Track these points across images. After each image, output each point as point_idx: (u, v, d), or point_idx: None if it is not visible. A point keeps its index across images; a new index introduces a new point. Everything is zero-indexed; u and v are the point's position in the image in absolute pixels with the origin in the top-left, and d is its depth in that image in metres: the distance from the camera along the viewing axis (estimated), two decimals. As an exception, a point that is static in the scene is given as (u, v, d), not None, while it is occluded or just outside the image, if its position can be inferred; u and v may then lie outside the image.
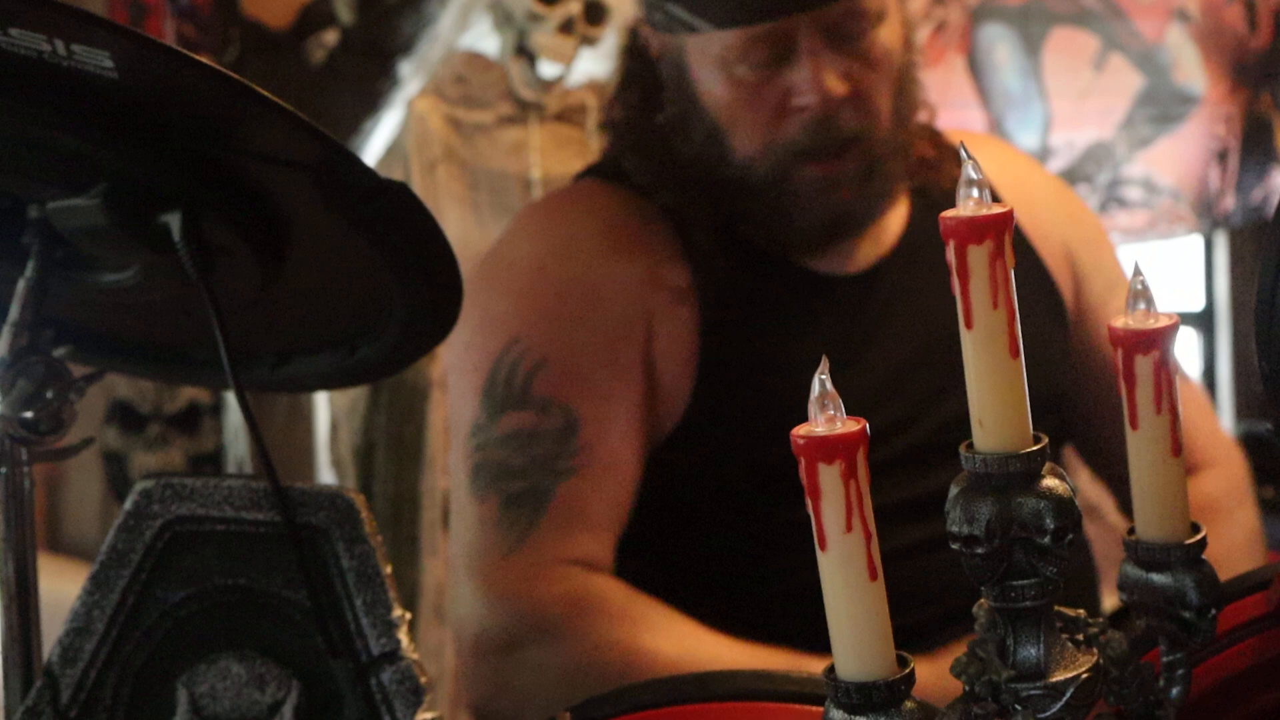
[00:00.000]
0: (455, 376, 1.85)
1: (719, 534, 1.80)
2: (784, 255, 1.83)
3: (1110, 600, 2.23)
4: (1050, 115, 3.43)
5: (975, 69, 3.33)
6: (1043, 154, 3.42)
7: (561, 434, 1.75)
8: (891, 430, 1.78)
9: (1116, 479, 1.94)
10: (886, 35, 1.77)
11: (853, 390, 1.78)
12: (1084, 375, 1.92)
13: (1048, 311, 1.90)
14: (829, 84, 1.73)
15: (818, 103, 1.73)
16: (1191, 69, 3.49)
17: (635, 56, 1.86)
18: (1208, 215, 3.58)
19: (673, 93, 1.81)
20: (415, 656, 1.18)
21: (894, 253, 1.87)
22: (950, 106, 2.06)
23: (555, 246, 1.84)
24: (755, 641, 1.68)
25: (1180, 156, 3.51)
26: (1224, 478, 1.94)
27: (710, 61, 1.76)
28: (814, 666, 1.61)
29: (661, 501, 1.79)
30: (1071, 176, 3.43)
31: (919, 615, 1.69)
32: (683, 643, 1.69)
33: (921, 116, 1.90)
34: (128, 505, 1.23)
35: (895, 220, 1.88)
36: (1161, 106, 3.47)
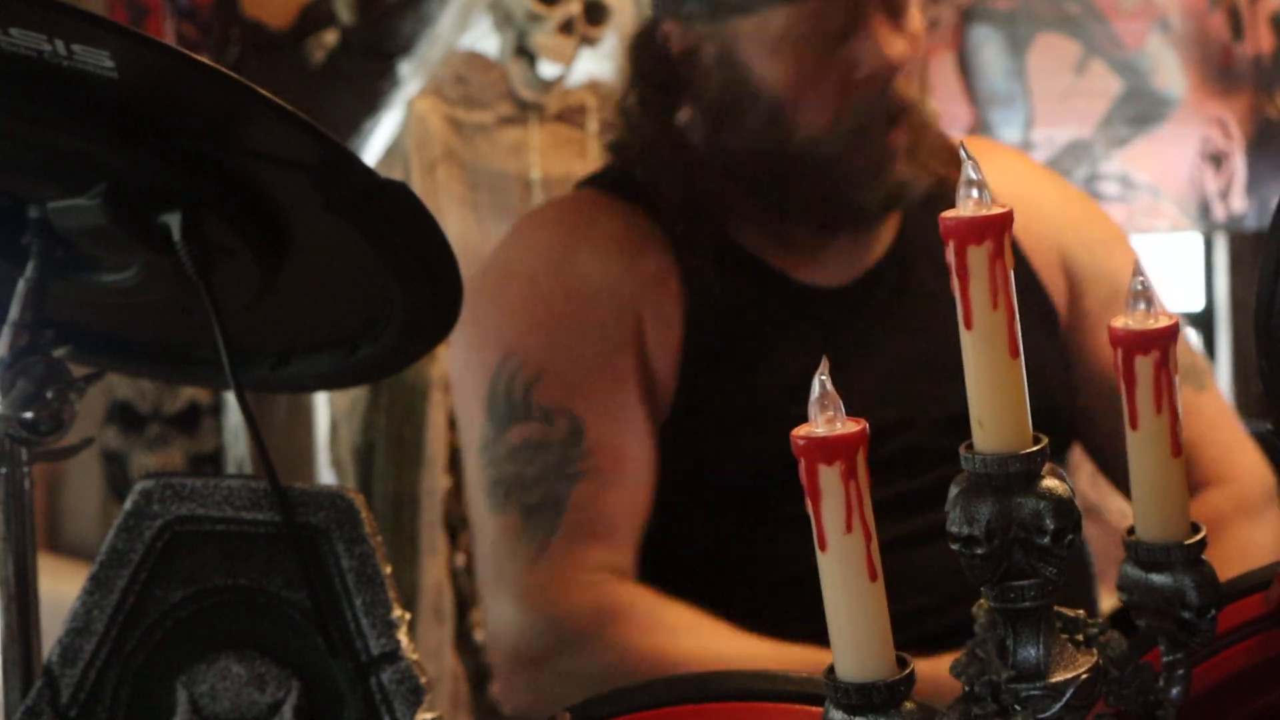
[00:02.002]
0: (458, 395, 1.87)
1: (717, 530, 1.81)
2: (775, 266, 1.84)
3: (1108, 600, 2.23)
4: (1032, 113, 3.50)
5: (964, 67, 3.41)
6: (1024, 148, 3.49)
7: (569, 440, 1.76)
8: (878, 437, 1.78)
9: (1119, 477, 1.94)
10: (918, 16, 1.80)
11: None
12: (1086, 382, 1.92)
13: (1036, 319, 1.90)
14: (894, 53, 1.75)
15: (885, 70, 1.75)
16: (1171, 74, 3.55)
17: (649, 58, 1.85)
18: (1205, 217, 3.61)
19: (710, 85, 1.80)
20: (415, 656, 1.18)
21: (881, 265, 1.87)
22: (938, 101, 2.10)
23: (548, 259, 1.85)
24: (782, 639, 1.69)
25: (1158, 156, 3.58)
26: (1236, 494, 1.90)
27: (769, 42, 1.75)
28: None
29: (673, 501, 1.80)
30: (1052, 169, 3.50)
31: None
32: (714, 647, 1.70)
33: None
34: (127, 505, 1.23)
35: (886, 232, 1.89)
36: (1139, 109, 3.54)
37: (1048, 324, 1.92)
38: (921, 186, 1.83)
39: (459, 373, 1.87)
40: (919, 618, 1.72)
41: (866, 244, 1.86)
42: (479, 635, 3.02)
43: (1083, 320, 1.94)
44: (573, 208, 1.95)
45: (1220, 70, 3.60)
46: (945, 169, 1.84)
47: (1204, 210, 3.62)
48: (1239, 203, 3.62)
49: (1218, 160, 3.60)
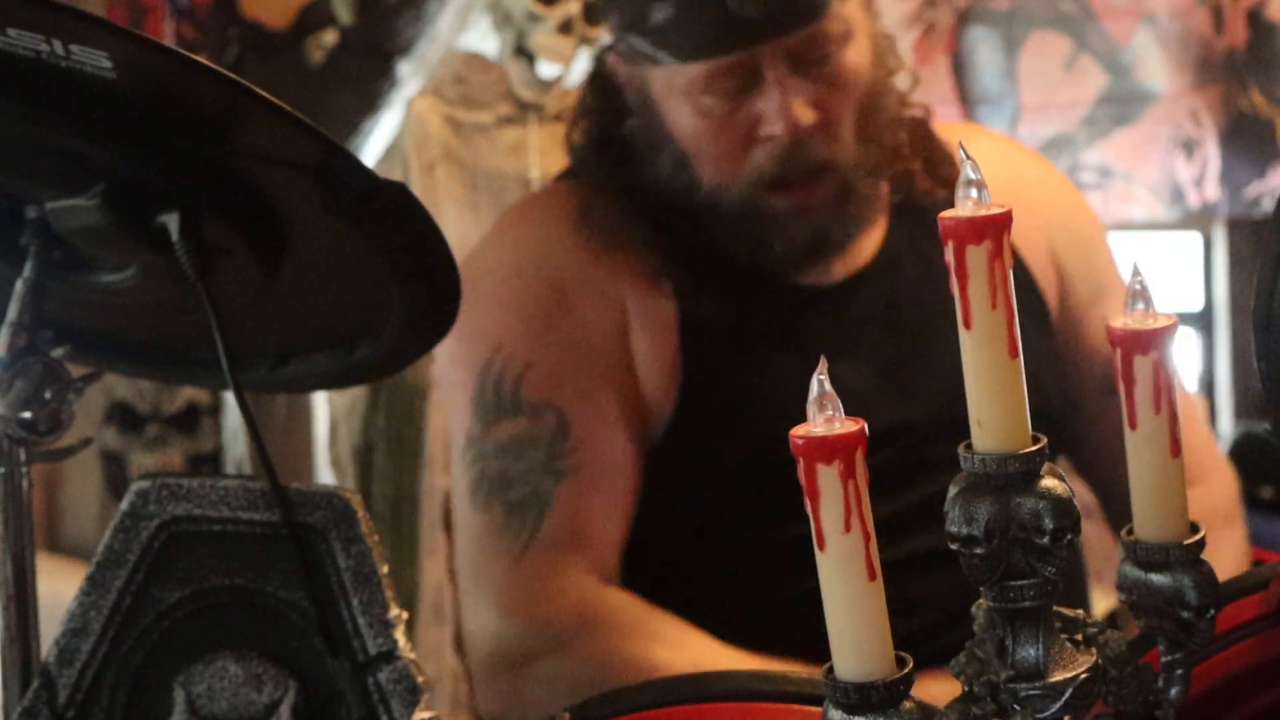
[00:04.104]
0: (446, 390, 1.85)
1: (713, 540, 1.80)
2: (762, 269, 1.82)
3: (1105, 600, 2.22)
4: (1020, 109, 3.52)
5: (958, 69, 3.44)
6: (1009, 142, 3.53)
7: (555, 436, 1.75)
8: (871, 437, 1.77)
9: (1104, 487, 1.92)
10: (854, 56, 1.75)
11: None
12: (1070, 381, 1.91)
13: (1029, 316, 1.89)
14: (797, 112, 1.71)
15: (786, 131, 1.71)
16: (1154, 68, 3.58)
17: (601, 83, 1.85)
18: (1179, 202, 3.65)
19: (639, 121, 1.80)
20: (412, 656, 1.18)
21: (872, 264, 1.85)
22: (930, 104, 2.12)
23: (530, 251, 1.83)
24: (766, 655, 1.68)
25: (1135, 145, 3.62)
26: (1210, 495, 1.89)
27: (676, 93, 1.74)
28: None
29: (657, 507, 1.79)
30: (1035, 163, 3.56)
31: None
32: (695, 657, 1.68)
33: (914, 115, 1.89)
34: (124, 505, 1.23)
35: (875, 232, 1.86)
36: (1121, 103, 3.57)
37: (1041, 323, 1.90)
38: (853, 230, 1.80)
39: (446, 367, 1.84)
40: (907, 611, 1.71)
41: (855, 244, 1.84)
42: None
43: (1068, 316, 1.92)
44: (550, 200, 1.93)
45: (1197, 62, 3.64)
46: (906, 193, 1.83)
47: (1177, 197, 3.65)
48: (1212, 190, 3.65)
49: (1189, 147, 3.63)
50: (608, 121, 1.84)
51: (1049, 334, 1.90)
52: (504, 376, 1.76)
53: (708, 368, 1.79)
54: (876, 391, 1.79)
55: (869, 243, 1.86)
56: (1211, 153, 3.65)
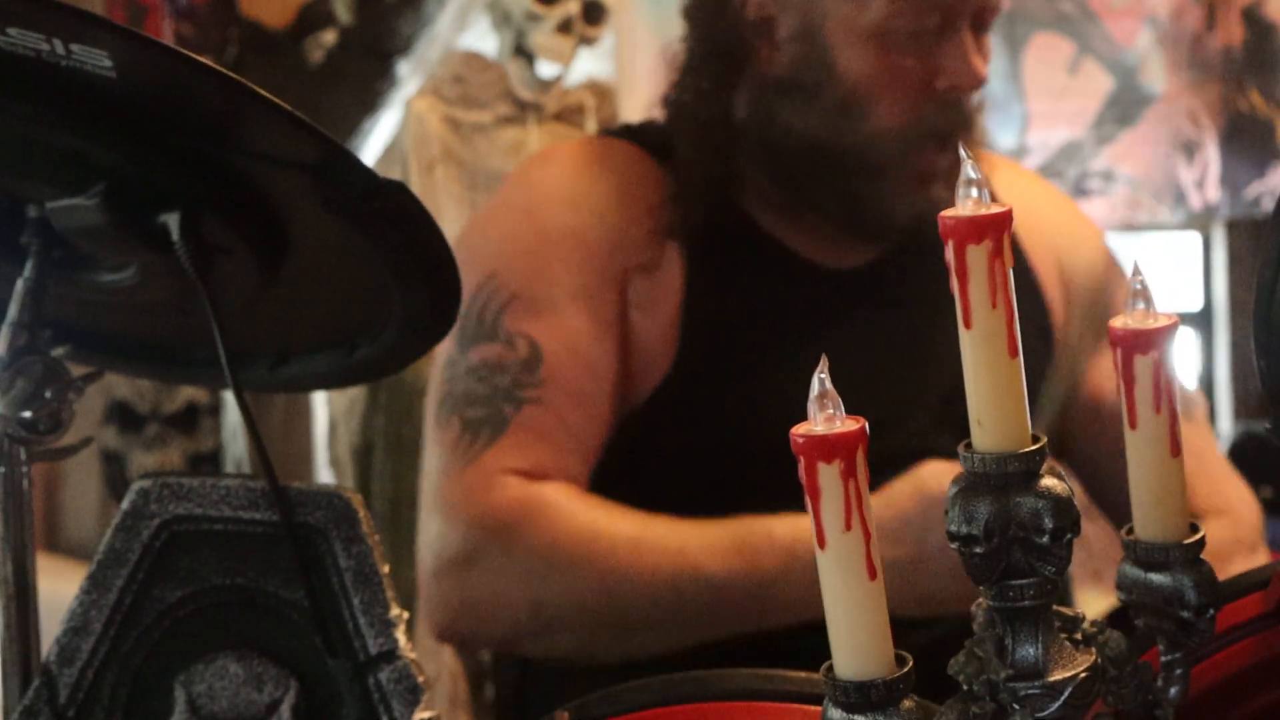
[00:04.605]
0: None
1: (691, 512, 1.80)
2: (785, 243, 1.82)
3: (1099, 599, 2.23)
4: (1028, 116, 3.50)
5: None
6: (1020, 152, 3.49)
7: (525, 365, 1.74)
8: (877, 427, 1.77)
9: (1110, 507, 1.93)
10: (988, 43, 1.78)
11: (843, 387, 1.79)
12: (1072, 404, 1.91)
13: (1034, 332, 1.90)
14: (978, 66, 1.73)
15: (967, 83, 1.72)
16: (1155, 71, 3.56)
17: (715, 19, 1.80)
18: (1182, 205, 3.64)
19: (780, 60, 1.76)
20: (413, 656, 1.18)
21: (892, 251, 1.85)
22: None
23: (546, 193, 1.83)
24: (714, 517, 1.68)
25: (1138, 149, 3.60)
26: (1234, 527, 1.88)
27: (859, 31, 1.71)
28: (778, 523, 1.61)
29: (628, 470, 1.78)
30: (1046, 173, 3.51)
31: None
32: (642, 522, 1.68)
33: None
34: (125, 505, 1.23)
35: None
36: (1126, 105, 3.56)
37: (1044, 339, 1.91)
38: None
39: None
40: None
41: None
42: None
43: (1068, 349, 1.92)
44: (580, 150, 1.92)
45: (1191, 61, 3.63)
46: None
47: (1180, 200, 3.64)
48: (1213, 192, 3.65)
49: (1189, 150, 3.63)
50: (717, 59, 1.79)
51: (1050, 354, 1.91)
52: (489, 303, 1.76)
53: (707, 339, 1.78)
54: (886, 375, 1.79)
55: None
56: (1212, 154, 3.64)
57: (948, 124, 1.73)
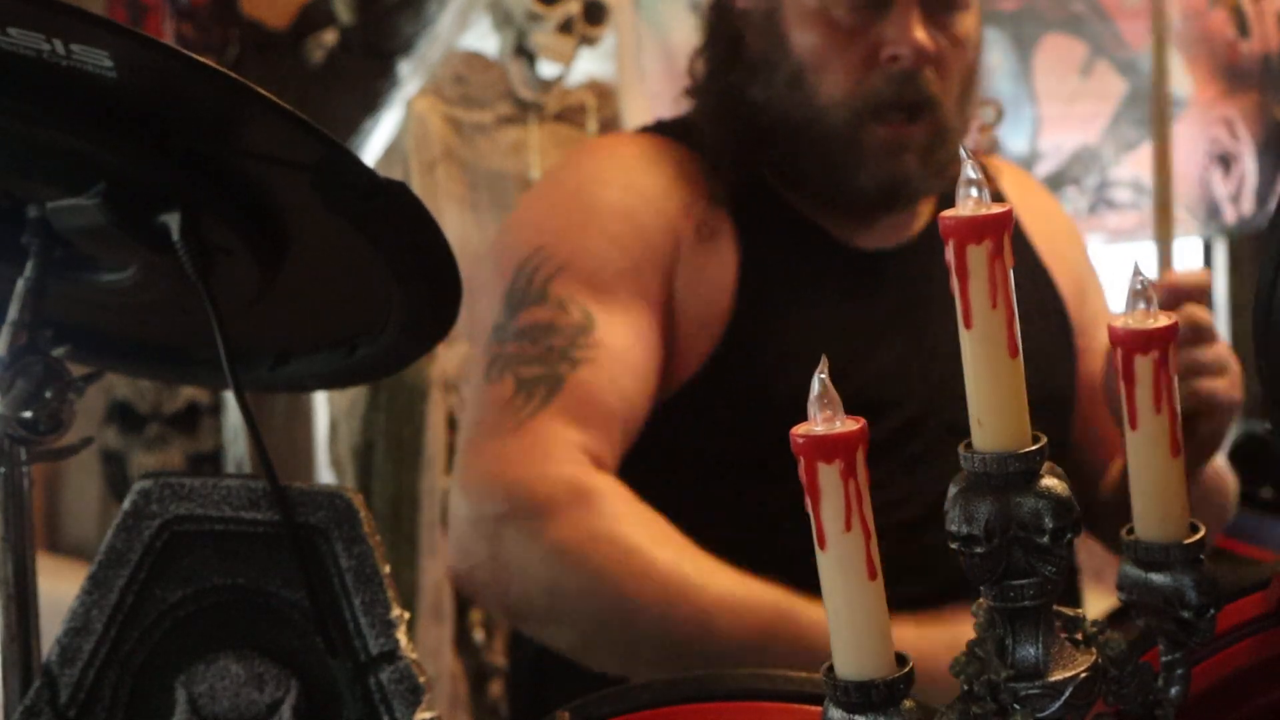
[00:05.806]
0: (483, 274, 1.87)
1: (716, 488, 1.81)
2: (823, 227, 1.88)
3: (1099, 599, 2.23)
4: (1039, 119, 3.47)
5: None
6: (1032, 157, 3.45)
7: (577, 328, 1.77)
8: (895, 407, 1.79)
9: (1105, 534, 1.94)
10: (969, 22, 1.85)
11: (876, 367, 1.81)
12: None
13: (1057, 342, 1.93)
14: (920, 38, 1.79)
15: (909, 55, 1.79)
16: (1176, 74, 3.53)
17: (719, 14, 1.92)
18: (1214, 220, 3.60)
19: (757, 39, 1.86)
20: (414, 656, 1.18)
21: (920, 236, 1.91)
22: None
23: (596, 173, 1.89)
24: (754, 573, 1.69)
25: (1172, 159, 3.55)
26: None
27: (806, 9, 1.82)
28: (811, 610, 1.64)
29: (671, 441, 1.81)
30: (1060, 179, 3.48)
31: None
32: (680, 555, 1.68)
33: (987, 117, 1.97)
34: (126, 505, 1.23)
35: (925, 209, 1.93)
36: (1146, 110, 3.51)
37: (1066, 347, 1.95)
38: (931, 187, 1.85)
39: (489, 252, 1.90)
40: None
41: (911, 214, 1.91)
42: (478, 635, 3.03)
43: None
44: (629, 139, 2.02)
45: (1225, 69, 3.59)
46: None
47: (1214, 213, 3.60)
48: (1248, 205, 3.61)
49: (1226, 162, 3.59)
50: (728, 49, 1.90)
51: (1072, 360, 1.95)
52: (539, 272, 1.80)
53: (757, 317, 1.82)
54: (919, 355, 1.83)
55: (920, 218, 1.92)
56: (1250, 167, 3.60)
57: (900, 95, 1.81)
